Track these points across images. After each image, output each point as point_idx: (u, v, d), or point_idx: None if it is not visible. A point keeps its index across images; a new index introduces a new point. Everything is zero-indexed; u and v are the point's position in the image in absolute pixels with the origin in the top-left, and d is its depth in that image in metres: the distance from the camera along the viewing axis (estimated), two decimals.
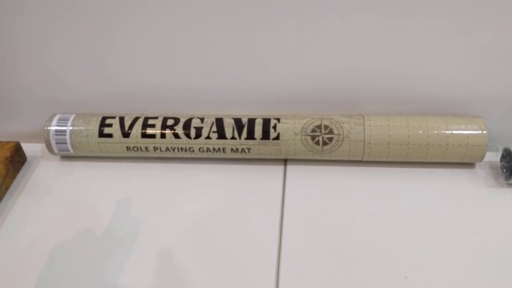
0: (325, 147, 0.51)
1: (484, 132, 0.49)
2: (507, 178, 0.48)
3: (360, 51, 0.49)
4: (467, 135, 0.49)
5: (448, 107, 0.51)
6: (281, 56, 0.50)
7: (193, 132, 0.52)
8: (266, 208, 0.49)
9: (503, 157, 0.49)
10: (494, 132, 0.51)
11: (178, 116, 0.53)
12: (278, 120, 0.52)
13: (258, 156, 0.52)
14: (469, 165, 0.51)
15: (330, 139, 0.50)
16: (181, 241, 0.47)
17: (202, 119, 0.53)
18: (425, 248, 0.44)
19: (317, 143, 0.50)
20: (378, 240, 0.45)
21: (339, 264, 0.44)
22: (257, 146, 0.51)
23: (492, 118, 0.51)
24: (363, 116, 0.51)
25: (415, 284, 0.42)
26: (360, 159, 0.51)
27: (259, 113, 0.54)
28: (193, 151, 0.53)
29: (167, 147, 0.53)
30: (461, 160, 0.50)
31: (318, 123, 0.51)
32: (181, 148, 0.53)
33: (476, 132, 0.49)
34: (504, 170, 0.49)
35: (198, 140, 0.52)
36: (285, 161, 0.54)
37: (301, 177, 0.52)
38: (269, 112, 0.54)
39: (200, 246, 0.46)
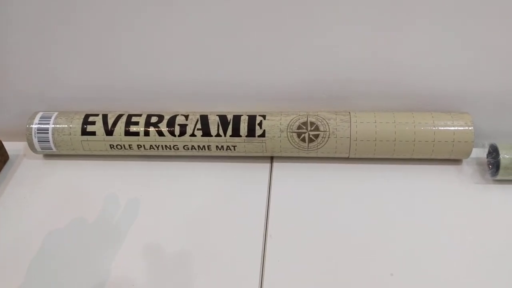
0: (311, 144, 0.50)
1: (471, 128, 0.48)
2: (493, 175, 0.48)
3: (347, 47, 0.48)
4: (454, 131, 0.48)
5: (435, 103, 0.51)
6: (267, 52, 0.50)
7: (177, 130, 0.51)
8: (252, 207, 0.48)
9: (489, 153, 0.49)
10: (482, 128, 0.51)
11: (162, 114, 0.52)
12: (264, 117, 0.51)
13: (243, 154, 0.52)
14: (456, 161, 0.51)
15: (316, 136, 0.50)
16: (166, 239, 0.46)
17: (186, 116, 0.52)
18: (411, 245, 0.44)
19: (303, 140, 0.50)
20: (364, 237, 0.45)
21: (325, 262, 0.43)
22: (242, 143, 0.51)
23: (479, 114, 0.51)
24: (349, 112, 0.51)
25: (401, 281, 0.41)
26: (346, 156, 0.51)
27: (245, 109, 0.53)
28: (178, 149, 0.52)
29: (151, 145, 0.52)
30: (448, 156, 0.50)
31: (304, 120, 0.50)
32: (165, 146, 0.52)
33: (462, 128, 0.48)
34: (490, 166, 0.48)
35: (182, 138, 0.51)
36: (271, 159, 0.54)
37: (287, 175, 0.52)
38: (255, 108, 0.53)
39: (185, 243, 0.46)
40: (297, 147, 0.50)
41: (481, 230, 0.45)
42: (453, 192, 0.48)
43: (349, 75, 0.51)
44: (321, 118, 0.50)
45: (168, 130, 0.51)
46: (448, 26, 0.46)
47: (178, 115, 0.52)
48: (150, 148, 0.52)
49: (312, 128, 0.50)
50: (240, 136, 0.50)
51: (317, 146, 0.50)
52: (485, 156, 0.50)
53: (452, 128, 0.48)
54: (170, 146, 0.52)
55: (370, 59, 0.49)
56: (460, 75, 0.50)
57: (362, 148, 0.50)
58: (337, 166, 0.52)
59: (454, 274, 0.42)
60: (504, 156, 0.47)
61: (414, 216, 0.47)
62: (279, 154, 0.52)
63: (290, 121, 0.50)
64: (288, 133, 0.50)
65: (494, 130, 0.52)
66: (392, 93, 0.51)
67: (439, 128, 0.48)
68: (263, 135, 0.50)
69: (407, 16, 0.45)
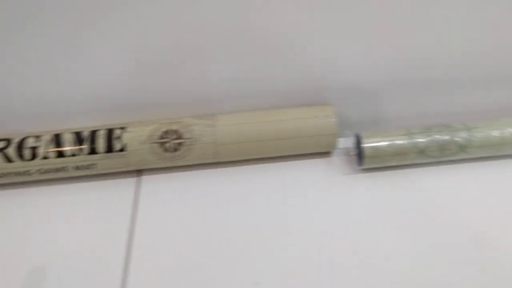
0: (176, 153, 0.47)
1: (333, 120, 0.48)
2: (359, 164, 0.48)
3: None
4: (317, 125, 0.48)
5: (299, 98, 0.50)
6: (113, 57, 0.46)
7: (28, 153, 0.46)
8: (114, 229, 0.45)
9: (355, 143, 0.49)
10: (349, 119, 0.52)
11: (9, 137, 0.47)
12: (124, 129, 0.48)
13: (106, 171, 0.48)
14: (325, 154, 0.51)
15: (180, 144, 0.47)
16: (23, 273, 0.42)
17: (37, 137, 0.47)
18: (279, 248, 0.43)
19: (167, 150, 0.47)
20: (231, 244, 0.44)
21: (199, 274, 0.41)
22: (102, 160, 0.47)
23: (344, 105, 0.50)
24: (214, 116, 0.49)
25: None
26: (215, 160, 0.49)
27: (105, 122, 0.49)
28: (31, 174, 0.47)
29: None
30: (316, 150, 0.49)
31: (166, 128, 0.47)
32: (16, 173, 0.47)
33: (325, 120, 0.48)
34: (355, 156, 0.49)
35: (34, 162, 0.47)
36: (140, 171, 0.50)
37: (156, 189, 0.49)
38: (116, 120, 0.50)
39: (42, 278, 0.42)
40: (161, 158, 0.47)
41: (352, 221, 0.45)
42: (323, 186, 0.48)
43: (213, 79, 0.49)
44: (185, 125, 0.47)
45: (17, 155, 0.46)
46: (305, 17, 0.45)
47: (28, 137, 0.47)
48: None
49: (175, 137, 0.47)
50: (98, 153, 0.47)
51: (183, 154, 0.47)
52: (351, 146, 0.50)
53: (315, 121, 0.48)
54: (21, 172, 0.47)
55: (232, 62, 0.47)
56: (322, 67, 0.49)
57: (229, 151, 0.48)
58: (210, 172, 0.50)
59: (327, 276, 0.41)
60: (366, 145, 0.47)
61: (285, 215, 0.46)
62: (145, 167, 0.49)
63: (151, 131, 0.47)
64: (150, 144, 0.47)
65: (361, 119, 0.52)
66: (255, 92, 0.50)
67: (303, 122, 0.48)
68: (123, 149, 0.47)
69: (258, 14, 0.44)
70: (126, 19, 0.43)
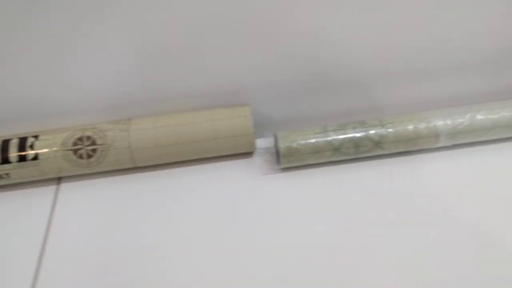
0: (90, 160, 0.47)
1: (250, 120, 0.48)
2: (277, 163, 0.48)
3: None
4: (233, 126, 0.48)
5: (216, 100, 0.50)
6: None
7: None
8: (28, 237, 0.44)
9: (272, 143, 0.49)
10: (270, 119, 0.52)
11: None
12: (36, 137, 0.47)
13: (20, 180, 0.47)
14: (247, 154, 0.51)
15: (94, 151, 0.47)
16: None
17: None
18: (200, 251, 0.43)
19: (81, 157, 0.46)
20: (149, 250, 0.43)
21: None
22: (15, 170, 0.46)
23: (263, 106, 0.50)
24: (130, 120, 0.48)
25: None
26: (134, 165, 0.48)
27: (18, 131, 0.48)
28: None
29: None
30: (235, 151, 0.49)
31: (80, 135, 0.47)
32: None
33: (241, 121, 0.48)
34: (274, 155, 0.49)
35: None
36: (60, 179, 0.50)
37: (73, 196, 0.48)
38: (31, 128, 0.49)
39: None
40: (77, 165, 0.47)
41: (271, 219, 0.45)
42: (242, 187, 0.48)
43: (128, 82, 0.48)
44: (99, 131, 0.47)
45: None
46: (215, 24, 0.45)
47: None
48: None
49: (88, 143, 0.46)
50: (11, 162, 0.46)
51: (97, 161, 0.47)
52: (270, 146, 0.50)
53: (232, 122, 0.48)
54: None
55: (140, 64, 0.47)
56: (240, 68, 0.49)
57: (146, 156, 0.47)
58: (129, 177, 0.49)
59: (248, 267, 0.41)
60: (282, 144, 0.47)
61: (207, 217, 0.45)
62: (61, 175, 0.48)
63: (64, 138, 0.46)
64: (64, 151, 0.46)
65: (284, 119, 0.52)
66: (171, 95, 0.49)
67: (219, 124, 0.47)
68: (36, 157, 0.46)
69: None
70: None
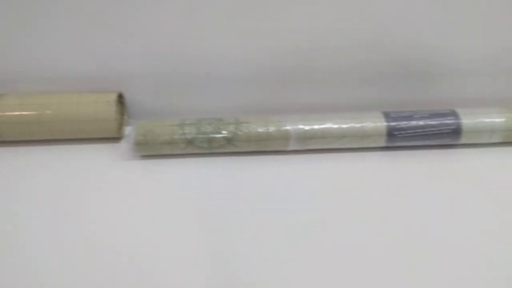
0: None
1: (113, 106, 0.50)
2: (135, 151, 0.50)
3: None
4: (96, 110, 0.50)
5: (96, 86, 0.52)
6: None
7: None
8: None
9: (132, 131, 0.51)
10: (142, 107, 0.54)
11: None
12: None
13: None
14: (115, 139, 0.53)
15: None
16: None
17: None
18: (56, 234, 0.43)
19: None
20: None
21: None
22: None
23: (135, 94, 0.53)
24: (1, 96, 0.51)
25: None
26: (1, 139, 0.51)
27: None
28: None
29: None
30: (99, 135, 0.51)
31: None
32: None
33: (104, 106, 0.50)
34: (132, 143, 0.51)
35: None
36: None
37: None
38: None
39: None
40: None
41: (124, 205, 0.46)
42: (99, 170, 0.49)
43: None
44: None
45: None
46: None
47: None
48: None
49: None
50: None
51: None
52: (130, 133, 0.52)
53: (95, 106, 0.50)
54: None
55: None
56: (114, 56, 0.51)
57: (11, 131, 0.50)
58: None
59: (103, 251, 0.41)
60: (137, 133, 0.49)
61: (52, 198, 0.46)
62: None
63: None
64: None
65: (149, 108, 0.54)
66: (51, 77, 0.52)
67: (83, 107, 0.50)
68: None
69: None
70: None
